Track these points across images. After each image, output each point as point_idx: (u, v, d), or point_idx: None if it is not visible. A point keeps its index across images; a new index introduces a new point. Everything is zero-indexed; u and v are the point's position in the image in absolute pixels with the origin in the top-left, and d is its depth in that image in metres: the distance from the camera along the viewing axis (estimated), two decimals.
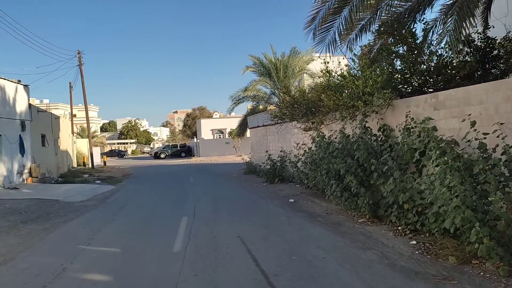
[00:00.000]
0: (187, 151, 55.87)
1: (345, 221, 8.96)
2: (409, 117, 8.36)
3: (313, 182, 10.86)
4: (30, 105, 19.28)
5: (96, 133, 69.20)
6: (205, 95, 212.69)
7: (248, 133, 37.51)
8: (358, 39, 9.98)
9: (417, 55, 9.94)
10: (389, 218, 8.18)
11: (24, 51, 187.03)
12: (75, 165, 34.55)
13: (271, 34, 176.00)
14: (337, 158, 9.37)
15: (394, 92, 9.12)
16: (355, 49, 10.83)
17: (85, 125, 74.22)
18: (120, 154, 72.93)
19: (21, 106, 18.29)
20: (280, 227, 8.57)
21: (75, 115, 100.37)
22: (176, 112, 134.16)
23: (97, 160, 35.85)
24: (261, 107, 31.75)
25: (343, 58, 10.86)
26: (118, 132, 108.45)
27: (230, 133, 47.95)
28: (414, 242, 6.93)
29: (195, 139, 57.46)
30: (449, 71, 9.92)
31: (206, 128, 55.96)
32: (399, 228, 7.73)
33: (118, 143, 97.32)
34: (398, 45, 10.05)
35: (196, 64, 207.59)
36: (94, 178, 23.35)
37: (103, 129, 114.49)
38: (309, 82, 26.23)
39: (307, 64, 29.89)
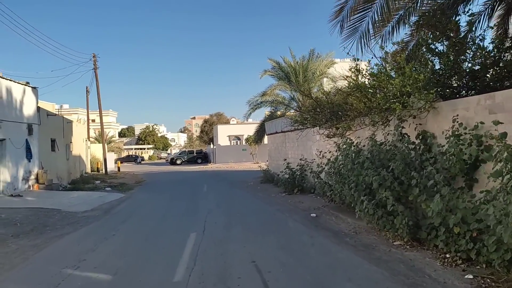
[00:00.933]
0: (204, 157, 54.97)
1: (378, 243, 7.63)
2: (457, 122, 7.03)
3: (339, 195, 9.54)
4: (38, 108, 18.52)
5: (113, 138, 69.03)
6: (223, 102, 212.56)
7: (265, 139, 36.31)
8: (395, 31, 8.72)
9: (459, 51, 8.60)
10: (433, 242, 6.84)
11: (38, 55, 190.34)
12: (89, 170, 33.89)
13: (290, 39, 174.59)
14: (368, 169, 8.06)
15: (437, 94, 7.79)
16: (386, 46, 9.54)
17: (105, 130, 74.58)
18: (136, 159, 72.54)
19: (28, 109, 17.52)
20: (301, 250, 7.29)
21: (93, 120, 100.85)
22: (194, 118, 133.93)
23: (112, 166, 35.15)
24: (279, 112, 30.56)
25: (372, 58, 9.56)
26: (136, 137, 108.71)
27: (247, 140, 46.90)
28: (470, 276, 5.57)
29: (211, 145, 56.54)
30: (498, 70, 8.57)
31: (223, 134, 55.02)
32: (448, 256, 6.37)
33: (135, 149, 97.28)
34: (439, 41, 8.73)
35: (215, 70, 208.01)
36: (105, 185, 22.47)
37: (122, 134, 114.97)
38: (330, 86, 24.93)
39: (328, 68, 28.61)
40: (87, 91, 40.07)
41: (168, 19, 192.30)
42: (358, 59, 8.76)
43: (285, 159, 17.37)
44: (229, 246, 7.70)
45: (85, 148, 32.16)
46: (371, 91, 8.65)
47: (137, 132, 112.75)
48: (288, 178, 16.13)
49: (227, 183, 22.84)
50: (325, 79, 28.32)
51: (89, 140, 38.04)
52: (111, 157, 36.67)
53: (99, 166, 34.10)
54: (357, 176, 8.43)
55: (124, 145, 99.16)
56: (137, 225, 10.29)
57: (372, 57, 9.45)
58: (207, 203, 14.07)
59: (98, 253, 7.44)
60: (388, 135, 9.35)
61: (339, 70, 22.03)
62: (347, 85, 9.53)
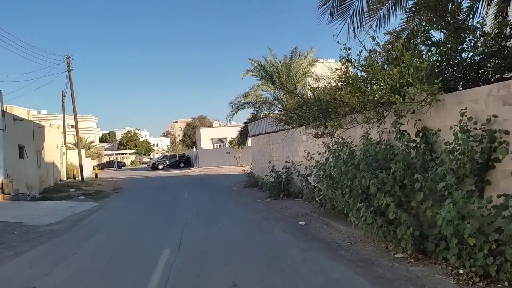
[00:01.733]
0: (186, 162, 53.63)
1: (378, 256, 6.69)
2: (465, 116, 6.15)
3: (330, 201, 8.56)
4: (3, 112, 17.09)
5: (92, 144, 67.00)
6: (206, 105, 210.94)
7: (249, 142, 35.32)
8: (390, 15, 7.79)
9: (459, 39, 7.76)
10: (442, 255, 5.92)
11: (8, 57, 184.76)
12: (64, 178, 32.30)
13: (274, 40, 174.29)
14: (364, 171, 7.12)
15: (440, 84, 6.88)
16: (378, 36, 8.63)
17: (84, 136, 72.25)
18: (118, 165, 70.68)
19: None
20: (291, 267, 6.28)
21: (72, 126, 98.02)
22: (177, 122, 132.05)
23: (89, 173, 33.61)
24: (262, 114, 29.60)
25: (362, 50, 8.63)
26: (117, 142, 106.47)
27: (230, 142, 45.79)
28: None
29: (194, 148, 55.25)
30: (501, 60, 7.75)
31: (206, 138, 53.80)
32: (461, 271, 5.45)
33: (116, 154, 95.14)
34: (438, 26, 7.86)
35: (198, 73, 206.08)
36: (79, 193, 21.10)
37: (103, 139, 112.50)
38: (315, 85, 24.10)
39: (311, 66, 27.82)
40: (62, 95, 38.42)
41: (148, 22, 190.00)
42: (349, 48, 7.82)
43: (270, 162, 16.40)
44: (207, 264, 6.64)
45: (59, 155, 30.60)
46: (365, 84, 7.72)
47: (118, 137, 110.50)
48: (273, 182, 15.14)
49: (210, 188, 21.73)
50: (308, 79, 27.48)
51: (65, 146, 36.42)
52: (89, 163, 35.07)
53: (75, 173, 32.53)
54: (351, 179, 7.48)
55: (105, 150, 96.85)
56: (105, 241, 9.12)
57: (362, 50, 8.55)
58: (186, 212, 12.96)
59: (51, 278, 6.29)
60: (383, 133, 8.46)
61: (323, 70, 21.29)
62: (336, 79, 8.58)
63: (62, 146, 35.67)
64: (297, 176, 12.67)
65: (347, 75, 8.08)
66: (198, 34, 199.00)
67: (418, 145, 7.12)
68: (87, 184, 27.75)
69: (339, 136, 8.83)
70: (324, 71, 19.18)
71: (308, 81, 27.03)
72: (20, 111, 50.24)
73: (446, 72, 7.97)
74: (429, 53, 7.65)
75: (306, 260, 6.68)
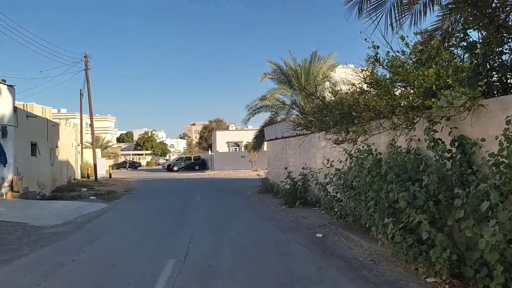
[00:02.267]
0: (201, 164, 53.26)
1: (406, 279, 5.92)
2: None
3: (352, 214, 7.80)
4: (16, 109, 16.83)
5: (109, 143, 67.31)
6: (224, 108, 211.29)
7: (265, 146, 34.64)
8: (428, 10, 7.02)
9: (500, 40, 6.96)
10: (483, 282, 5.13)
11: (26, 54, 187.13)
12: (78, 176, 32.19)
13: (292, 43, 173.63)
14: (392, 183, 6.37)
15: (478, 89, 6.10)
16: (407, 36, 7.88)
17: (101, 135, 72.72)
18: (133, 165, 70.91)
19: (3, 109, 15.85)
20: None
21: (91, 125, 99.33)
22: (194, 124, 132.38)
23: (103, 172, 33.43)
24: (279, 118, 28.92)
25: (388, 52, 7.88)
26: (134, 143, 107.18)
27: (246, 146, 45.21)
28: None
29: (209, 151, 54.85)
30: None
31: (222, 141, 53.26)
32: None
33: (133, 154, 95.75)
34: (479, 25, 7.07)
35: (215, 76, 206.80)
36: (91, 193, 20.76)
37: (121, 139, 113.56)
38: (330, 96, 23.31)
39: (331, 71, 27.02)
40: (80, 94, 38.51)
41: (168, 24, 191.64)
42: (377, 47, 7.09)
43: (286, 168, 15.69)
44: (214, 281, 5.98)
45: (74, 153, 30.48)
46: (394, 86, 6.98)
47: (135, 137, 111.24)
48: (289, 189, 14.43)
49: (223, 192, 21.12)
50: (327, 83, 26.68)
51: (81, 145, 36.39)
52: (103, 163, 34.91)
53: (89, 172, 32.36)
54: (377, 191, 6.74)
55: (122, 150, 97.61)
56: (108, 247, 8.56)
57: (389, 51, 7.80)
58: (197, 217, 12.35)
59: None
60: (411, 141, 7.70)
61: (343, 75, 20.48)
62: (361, 80, 7.84)
63: (78, 145, 35.66)
64: (314, 184, 11.94)
65: (374, 76, 7.34)
66: (217, 38, 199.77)
67: (454, 156, 6.35)
68: (100, 184, 27.48)
69: (364, 143, 8.07)
70: (344, 76, 18.41)
71: (328, 85, 26.24)
72: (40, 110, 50.80)
73: (485, 75, 7.20)
74: (466, 56, 6.87)
75: (324, 280, 5.96)
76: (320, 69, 26.63)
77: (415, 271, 6.15)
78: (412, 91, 6.28)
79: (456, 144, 6.42)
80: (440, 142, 6.41)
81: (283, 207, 14.15)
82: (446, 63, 6.53)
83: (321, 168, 10.38)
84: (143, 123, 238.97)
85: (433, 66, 6.23)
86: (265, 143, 32.92)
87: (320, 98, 10.32)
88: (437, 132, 6.61)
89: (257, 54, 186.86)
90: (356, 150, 8.53)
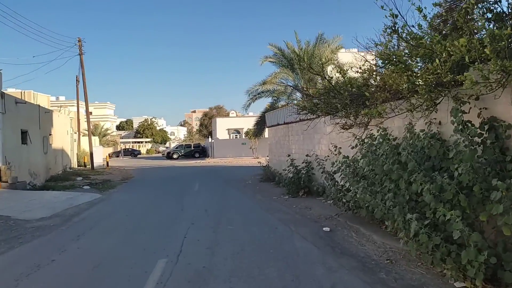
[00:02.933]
0: (201, 152, 52.45)
1: (430, 283, 5.12)
2: None
3: (366, 208, 6.96)
4: (3, 94, 15.91)
5: (108, 131, 66.42)
6: (224, 95, 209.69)
7: (266, 133, 33.76)
8: None
9: None
10: None
11: (19, 39, 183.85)
12: (75, 165, 31.40)
13: (293, 27, 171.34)
14: (414, 172, 5.51)
15: None
16: (425, 8, 6.94)
17: (100, 123, 71.80)
18: (133, 153, 70.24)
19: None
20: None
21: (91, 113, 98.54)
22: (194, 111, 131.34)
23: (100, 160, 32.60)
24: (281, 104, 27.99)
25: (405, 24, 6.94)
26: (134, 131, 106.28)
27: (246, 133, 44.37)
28: None
29: (210, 139, 54.01)
30: None
31: (222, 128, 52.33)
32: None
33: (133, 142, 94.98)
34: None
35: (216, 62, 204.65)
36: (86, 183, 19.99)
37: (120, 127, 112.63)
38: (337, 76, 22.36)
39: (335, 54, 25.98)
40: (76, 80, 37.50)
41: (165, 9, 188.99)
42: (395, 16, 6.16)
43: (289, 155, 14.84)
44: (208, 286, 5.17)
45: (70, 141, 29.64)
46: (415, 61, 6.09)
47: (135, 125, 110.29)
48: (292, 178, 13.59)
49: (223, 181, 20.32)
50: (329, 68, 25.67)
51: (78, 132, 35.52)
52: (100, 151, 34.00)
53: (85, 161, 31.56)
54: (395, 181, 5.89)
55: (121, 138, 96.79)
56: (94, 244, 7.75)
57: (405, 24, 6.87)
58: (194, 209, 11.55)
59: None
60: (431, 124, 6.84)
61: (345, 60, 19.46)
62: (375, 57, 6.95)
63: (75, 133, 34.82)
64: (320, 173, 11.09)
65: (392, 50, 6.43)
66: (219, 16, 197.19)
67: (485, 140, 5.49)
68: (97, 173, 26.72)
69: (379, 126, 7.16)
70: (348, 60, 17.44)
71: (331, 69, 25.25)
72: (39, 97, 49.86)
73: None
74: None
75: (336, 285, 5.15)
76: (323, 52, 25.60)
77: (440, 273, 5.34)
78: (438, 64, 5.37)
79: (486, 127, 5.56)
80: (469, 125, 5.54)
81: (286, 196, 13.35)
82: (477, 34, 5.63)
83: (328, 156, 9.53)
84: (143, 110, 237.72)
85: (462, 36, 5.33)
86: (266, 129, 32.03)
87: (328, 78, 9.40)
88: (465, 113, 5.74)
89: (259, 39, 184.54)
90: (368, 136, 7.66)
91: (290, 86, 25.47)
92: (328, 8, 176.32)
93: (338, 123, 9.84)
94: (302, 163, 14.01)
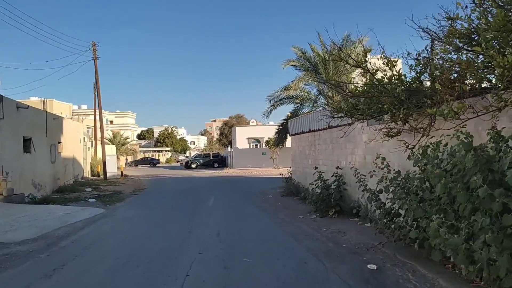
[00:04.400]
0: (221, 161, 50.84)
1: None
2: None
3: (440, 247, 4.94)
4: (1, 98, 14.58)
5: (127, 140, 65.58)
6: (245, 105, 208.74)
7: (288, 142, 31.84)
8: None
9: None
10: None
11: (32, 44, 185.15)
12: (88, 174, 30.16)
13: (316, 29, 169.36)
14: None
15: None
16: None
17: (121, 132, 71.27)
18: (152, 162, 69.27)
19: None
20: None
21: (112, 121, 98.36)
22: (214, 120, 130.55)
23: (115, 170, 31.17)
24: (304, 112, 26.08)
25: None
26: (154, 139, 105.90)
27: (267, 143, 42.48)
28: None
29: (229, 148, 52.38)
30: None
31: (242, 137, 50.56)
32: None
33: (153, 151, 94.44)
34: None
35: (237, 72, 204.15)
36: (93, 195, 18.47)
37: (141, 136, 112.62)
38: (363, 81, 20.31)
39: (364, 57, 23.93)
40: (94, 87, 36.51)
41: (184, 19, 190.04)
42: None
43: (316, 167, 12.89)
44: None
45: (83, 149, 28.40)
46: None
47: (156, 134, 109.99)
48: (320, 194, 11.63)
49: (241, 194, 18.47)
50: (357, 71, 23.64)
51: (95, 141, 34.35)
52: (115, 160, 32.59)
53: (99, 170, 30.26)
54: (494, 215, 3.90)
55: (141, 147, 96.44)
56: (70, 283, 5.99)
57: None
58: (205, 231, 9.73)
59: None
60: None
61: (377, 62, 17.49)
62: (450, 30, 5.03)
63: (92, 141, 33.69)
64: (357, 189, 9.13)
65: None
66: (239, 33, 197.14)
67: None
68: (109, 183, 25.32)
69: (458, 131, 5.14)
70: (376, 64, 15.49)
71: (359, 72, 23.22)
72: (61, 106, 49.37)
73: None
74: None
75: None
76: (350, 55, 23.59)
77: None
78: None
79: None
80: None
81: (313, 216, 11.40)
82: None
83: (373, 171, 7.54)
84: (164, 119, 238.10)
85: None
86: (289, 138, 30.12)
87: (371, 71, 7.51)
88: None
89: (280, 46, 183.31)
90: (433, 145, 5.68)
91: (312, 97, 23.43)
92: (354, 8, 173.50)
93: (381, 129, 7.90)
94: (332, 176, 12.07)
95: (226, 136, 73.95)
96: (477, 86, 4.99)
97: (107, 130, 72.94)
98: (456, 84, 4.99)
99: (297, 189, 16.33)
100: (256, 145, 50.48)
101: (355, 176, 8.77)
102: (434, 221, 4.47)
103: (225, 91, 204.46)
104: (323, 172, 12.41)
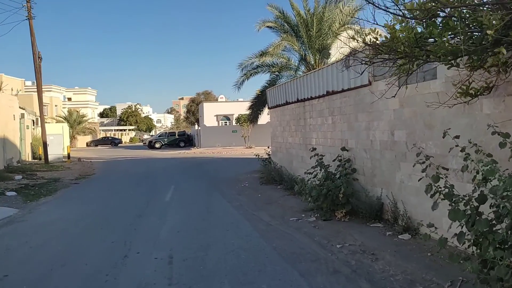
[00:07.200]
0: (187, 140, 46.77)
1: None
2: None
3: None
4: None
5: (85, 118, 60.02)
6: (214, 82, 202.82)
7: (262, 118, 28.30)
8: None
9: None
10: None
11: None
12: (28, 158, 25.64)
13: None
14: None
15: None
16: None
17: (80, 110, 65.34)
18: (113, 142, 64.39)
19: None
20: None
21: (70, 99, 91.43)
22: (182, 98, 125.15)
23: (60, 151, 26.57)
24: (282, 81, 22.51)
25: None
26: (118, 118, 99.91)
27: (238, 120, 38.76)
28: None
29: (196, 126, 48.33)
30: None
31: (210, 114, 46.48)
32: None
33: (115, 130, 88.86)
34: None
35: (206, 45, 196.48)
36: (20, 185, 14.40)
37: (104, 114, 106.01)
38: (355, 45, 16.91)
39: (351, 17, 20.45)
40: (39, 57, 31.35)
41: None
42: None
43: (313, 149, 9.45)
44: None
45: (19, 129, 23.79)
46: None
47: (118, 112, 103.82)
48: (321, 187, 8.14)
49: (209, 182, 14.84)
50: (348, 32, 20.16)
51: (42, 119, 29.49)
52: (59, 140, 27.59)
53: (41, 152, 25.72)
54: None
55: (103, 126, 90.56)
56: None
57: None
58: (151, 250, 6.10)
59: None
60: None
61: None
62: None
63: (35, 118, 28.99)
64: (431, 195, 5.74)
65: None
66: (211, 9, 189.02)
67: None
68: (51, 168, 21.08)
69: None
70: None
71: (350, 34, 19.77)
72: (12, 81, 43.42)
73: None
74: None
75: None
76: (337, 16, 20.09)
77: None
78: None
79: None
80: None
81: (312, 218, 7.99)
82: None
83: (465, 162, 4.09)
84: (129, 97, 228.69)
85: None
86: (263, 114, 26.58)
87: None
88: None
89: (254, 10, 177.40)
90: None
91: (292, 65, 19.73)
92: None
93: (456, 84, 4.45)
94: (333, 161, 8.69)
95: (193, 114, 69.80)
96: None
97: (64, 107, 66.93)
98: None
99: (280, 175, 12.88)
100: (225, 122, 46.65)
101: (360, 157, 5.31)
102: None
103: (193, 68, 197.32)
104: (323, 156, 8.99)
